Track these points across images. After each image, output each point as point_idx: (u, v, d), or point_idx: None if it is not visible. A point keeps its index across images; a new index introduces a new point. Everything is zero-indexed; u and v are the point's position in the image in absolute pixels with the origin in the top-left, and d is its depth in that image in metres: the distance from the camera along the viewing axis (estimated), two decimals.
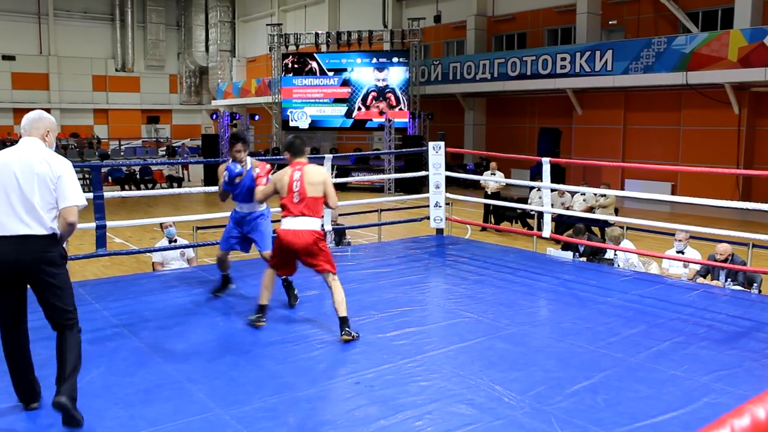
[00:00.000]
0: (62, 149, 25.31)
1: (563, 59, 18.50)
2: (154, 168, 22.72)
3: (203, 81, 36.42)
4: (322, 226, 5.98)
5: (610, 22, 19.51)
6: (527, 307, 5.36)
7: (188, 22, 36.11)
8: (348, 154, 22.70)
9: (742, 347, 4.39)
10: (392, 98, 23.05)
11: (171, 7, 36.39)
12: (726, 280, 6.69)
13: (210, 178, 19.47)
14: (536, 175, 13.14)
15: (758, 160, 16.12)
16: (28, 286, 3.27)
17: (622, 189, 17.08)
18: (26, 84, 32.00)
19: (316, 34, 23.92)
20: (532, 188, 12.81)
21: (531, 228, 12.04)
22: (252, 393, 3.61)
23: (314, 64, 24.13)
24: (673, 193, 16.78)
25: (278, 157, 8.42)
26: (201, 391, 3.58)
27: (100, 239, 6.10)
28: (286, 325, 4.80)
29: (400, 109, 22.80)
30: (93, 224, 5.99)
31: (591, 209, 11.51)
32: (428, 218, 8.37)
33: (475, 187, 16.91)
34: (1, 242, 3.09)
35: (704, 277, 6.93)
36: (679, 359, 4.13)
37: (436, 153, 8.18)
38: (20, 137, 3.37)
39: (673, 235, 7.27)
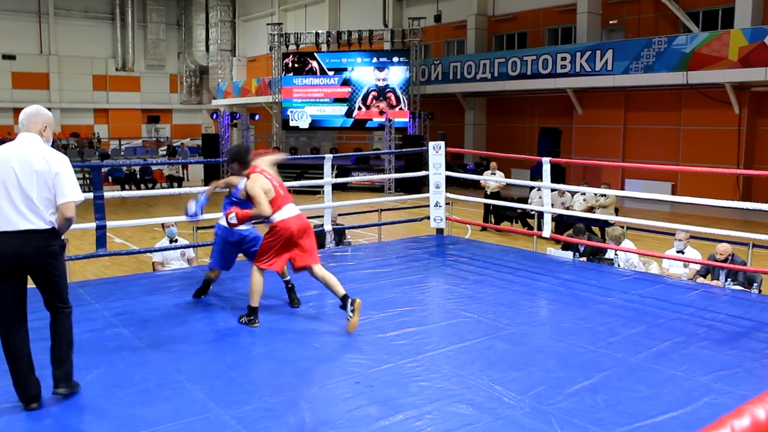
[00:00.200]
0: (62, 149, 25.29)
1: (563, 59, 18.50)
2: (154, 168, 22.72)
3: (203, 80, 36.43)
4: None
5: (611, 22, 19.51)
6: (527, 307, 5.36)
7: (188, 21, 36.12)
8: (348, 153, 22.71)
9: (742, 347, 4.39)
10: (392, 98, 23.06)
11: (171, 6, 36.40)
12: (726, 280, 6.69)
13: (210, 179, 19.45)
14: (536, 174, 13.16)
15: (758, 160, 16.11)
16: (28, 286, 3.35)
17: (622, 189, 17.07)
18: (26, 83, 32.01)
19: (317, 34, 23.92)
20: (532, 188, 12.82)
21: (531, 228, 12.04)
22: (252, 393, 3.61)
23: (314, 64, 24.13)
24: (673, 193, 16.78)
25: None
26: (201, 391, 3.58)
27: (101, 239, 6.09)
28: (286, 325, 4.80)
29: (401, 108, 22.81)
30: (93, 224, 5.99)
31: (591, 209, 11.51)
32: (428, 218, 8.37)
33: (476, 187, 16.91)
34: (5, 237, 3.19)
35: (704, 277, 6.93)
36: (679, 359, 4.12)
37: (436, 153, 8.18)
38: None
39: (673, 235, 7.26)
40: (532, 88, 19.89)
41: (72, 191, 3.30)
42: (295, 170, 20.62)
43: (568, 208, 11.41)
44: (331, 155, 7.96)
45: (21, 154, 3.25)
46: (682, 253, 7.05)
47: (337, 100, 23.93)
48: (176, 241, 7.47)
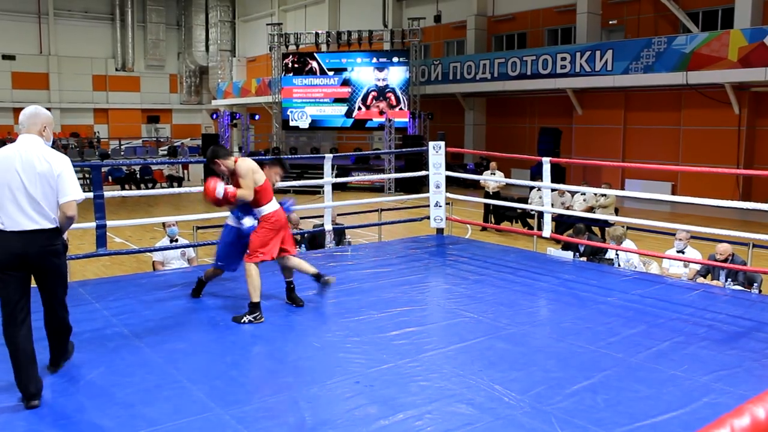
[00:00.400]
0: (62, 149, 25.29)
1: (563, 59, 18.50)
2: (154, 168, 22.73)
3: (203, 81, 36.42)
4: None
5: (610, 22, 19.51)
6: (527, 307, 5.36)
7: (188, 21, 36.12)
8: (348, 153, 22.72)
9: (742, 347, 4.39)
10: (392, 98, 23.06)
11: (171, 6, 36.39)
12: (726, 280, 6.69)
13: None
14: (536, 174, 13.16)
15: (758, 160, 16.12)
16: (32, 285, 3.48)
17: (622, 189, 17.07)
18: (26, 83, 32.00)
19: (316, 34, 23.92)
20: (532, 188, 12.82)
21: (531, 228, 12.04)
22: (252, 393, 3.61)
23: (314, 64, 24.13)
24: (673, 193, 16.78)
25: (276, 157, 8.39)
26: (201, 391, 3.58)
27: (101, 239, 6.09)
28: (286, 325, 4.80)
29: (400, 108, 22.81)
30: (93, 224, 5.98)
31: (591, 209, 11.51)
32: (428, 218, 8.37)
33: (475, 187, 16.91)
34: (12, 236, 3.33)
35: (704, 277, 6.93)
36: (679, 359, 4.12)
37: (436, 153, 8.18)
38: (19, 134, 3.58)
39: (673, 235, 7.26)
40: (532, 89, 19.89)
41: (73, 191, 3.45)
42: (295, 170, 20.63)
43: (568, 208, 11.41)
44: (331, 155, 7.96)
45: (23, 156, 3.37)
46: (683, 252, 7.05)
47: (337, 100, 23.93)
48: (176, 240, 7.47)
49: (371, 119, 23.50)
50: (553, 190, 9.04)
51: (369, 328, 4.64)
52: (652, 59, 16.36)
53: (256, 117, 26.33)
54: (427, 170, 8.30)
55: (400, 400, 3.48)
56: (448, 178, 8.28)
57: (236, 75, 34.35)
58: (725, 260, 6.55)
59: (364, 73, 23.42)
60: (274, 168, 5.30)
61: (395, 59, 23.01)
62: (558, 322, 4.98)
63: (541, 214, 8.33)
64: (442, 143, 8.28)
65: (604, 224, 10.30)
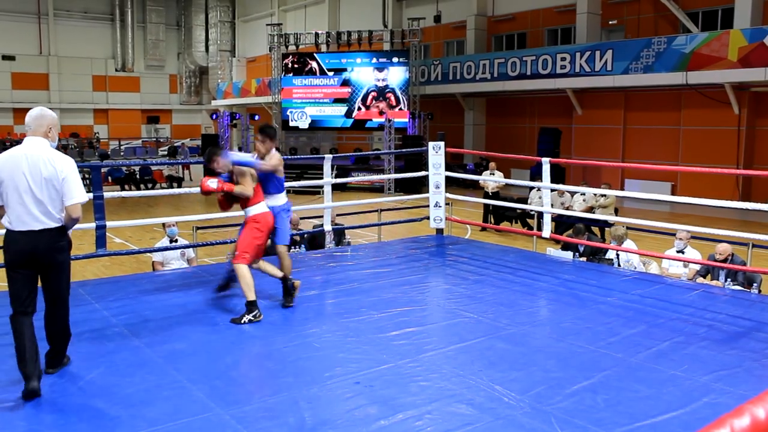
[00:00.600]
0: (62, 149, 25.28)
1: (563, 59, 18.50)
2: (154, 168, 22.73)
3: (203, 81, 36.43)
4: None
5: (610, 22, 19.52)
6: (527, 307, 5.36)
7: (188, 22, 36.13)
8: (348, 154, 22.70)
9: (742, 347, 4.39)
10: (392, 98, 23.06)
11: (171, 7, 36.40)
12: (726, 280, 6.69)
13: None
14: (536, 175, 13.15)
15: (758, 160, 16.12)
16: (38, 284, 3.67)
17: (622, 189, 17.08)
18: (26, 84, 32.01)
19: (316, 34, 23.92)
20: (531, 188, 12.82)
21: (531, 228, 12.04)
22: (252, 393, 3.61)
23: (314, 64, 24.13)
24: (673, 193, 16.79)
25: None
26: (201, 391, 3.58)
27: (100, 239, 6.09)
28: (286, 325, 4.80)
29: (400, 109, 22.81)
30: (93, 224, 5.98)
31: (591, 209, 11.51)
32: (428, 218, 8.37)
33: (475, 187, 16.91)
34: (21, 235, 3.55)
35: (704, 277, 6.93)
36: (679, 359, 4.13)
37: (436, 153, 8.18)
38: (22, 135, 3.62)
39: (673, 235, 7.26)
40: (532, 89, 19.89)
41: (78, 193, 3.64)
42: (295, 170, 20.62)
43: (567, 209, 11.41)
44: (330, 155, 7.96)
45: (30, 160, 3.55)
46: (682, 252, 7.05)
47: (337, 101, 23.93)
48: (176, 241, 7.47)
49: (371, 119, 23.50)
50: (552, 190, 9.04)
51: (369, 329, 4.64)
52: (652, 59, 16.36)
53: (256, 117, 26.30)
54: (427, 170, 8.30)
55: (400, 400, 3.48)
56: (447, 178, 8.28)
57: (236, 75, 34.35)
58: (725, 260, 6.55)
59: (364, 74, 23.43)
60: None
61: (395, 59, 23.02)
62: (558, 322, 4.98)
63: (540, 215, 8.33)
64: (442, 143, 8.28)
65: (603, 224, 10.30)
